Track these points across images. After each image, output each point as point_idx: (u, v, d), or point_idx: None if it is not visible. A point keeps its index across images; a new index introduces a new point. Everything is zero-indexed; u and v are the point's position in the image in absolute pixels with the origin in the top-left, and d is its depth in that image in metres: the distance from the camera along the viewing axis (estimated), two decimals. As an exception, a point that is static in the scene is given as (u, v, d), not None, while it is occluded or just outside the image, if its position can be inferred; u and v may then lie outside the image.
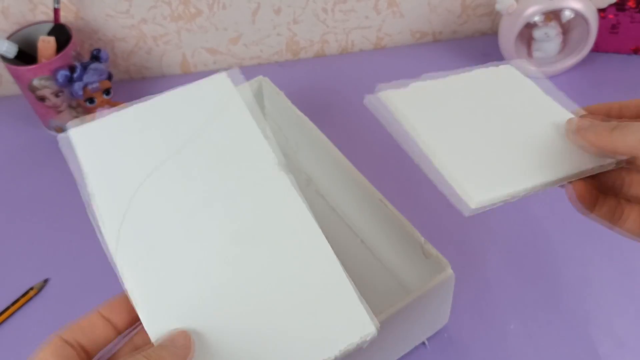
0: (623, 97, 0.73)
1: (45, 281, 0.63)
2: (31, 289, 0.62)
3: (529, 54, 0.78)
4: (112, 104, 0.74)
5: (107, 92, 0.72)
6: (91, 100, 0.72)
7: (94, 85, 0.71)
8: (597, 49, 0.78)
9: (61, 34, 0.73)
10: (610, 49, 0.78)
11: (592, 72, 0.77)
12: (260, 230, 0.34)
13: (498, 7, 0.73)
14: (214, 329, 0.31)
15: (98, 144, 0.36)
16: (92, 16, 0.79)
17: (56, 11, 0.73)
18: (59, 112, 0.75)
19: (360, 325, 0.31)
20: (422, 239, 0.50)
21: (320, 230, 0.34)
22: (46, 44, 0.72)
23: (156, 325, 0.31)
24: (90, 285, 0.63)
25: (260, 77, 0.66)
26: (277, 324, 0.32)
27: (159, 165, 0.35)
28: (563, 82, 0.76)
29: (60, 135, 0.36)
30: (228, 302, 0.32)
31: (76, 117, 0.77)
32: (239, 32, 0.82)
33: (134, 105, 0.37)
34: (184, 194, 0.35)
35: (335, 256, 0.33)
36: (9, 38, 0.73)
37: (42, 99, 0.73)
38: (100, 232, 0.34)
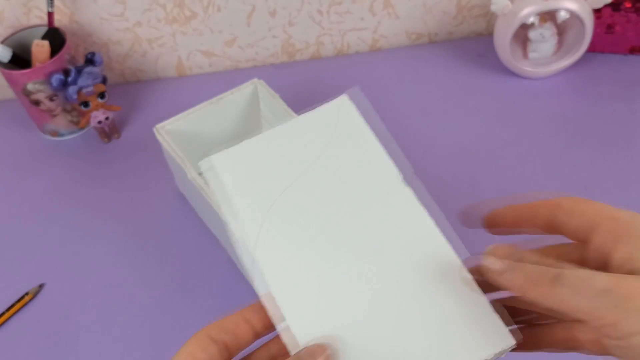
0: (619, 97, 0.74)
1: (41, 286, 0.63)
2: (26, 294, 0.62)
3: (525, 55, 0.77)
4: (107, 107, 0.73)
5: (101, 95, 0.72)
6: (86, 103, 0.71)
7: (89, 89, 0.71)
8: (592, 49, 0.78)
9: (55, 37, 0.73)
10: (606, 49, 0.78)
11: (588, 72, 0.77)
12: (389, 245, 0.35)
13: (493, 8, 0.73)
14: (351, 342, 0.32)
15: (237, 168, 0.38)
16: (86, 20, 0.78)
17: (50, 15, 0.73)
18: (54, 116, 0.75)
19: (498, 336, 0.32)
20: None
21: (446, 241, 0.35)
22: (40, 48, 0.72)
23: (302, 331, 0.33)
24: (85, 290, 0.62)
25: (256, 79, 0.66)
26: (413, 337, 0.32)
27: (288, 186, 0.37)
28: (559, 83, 0.76)
29: (204, 160, 0.38)
30: (363, 316, 0.33)
31: (71, 120, 0.77)
32: (234, 34, 0.82)
33: (265, 132, 0.40)
34: (311, 211, 0.36)
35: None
36: (3, 42, 0.73)
37: (36, 103, 0.73)
38: (242, 242, 0.35)
